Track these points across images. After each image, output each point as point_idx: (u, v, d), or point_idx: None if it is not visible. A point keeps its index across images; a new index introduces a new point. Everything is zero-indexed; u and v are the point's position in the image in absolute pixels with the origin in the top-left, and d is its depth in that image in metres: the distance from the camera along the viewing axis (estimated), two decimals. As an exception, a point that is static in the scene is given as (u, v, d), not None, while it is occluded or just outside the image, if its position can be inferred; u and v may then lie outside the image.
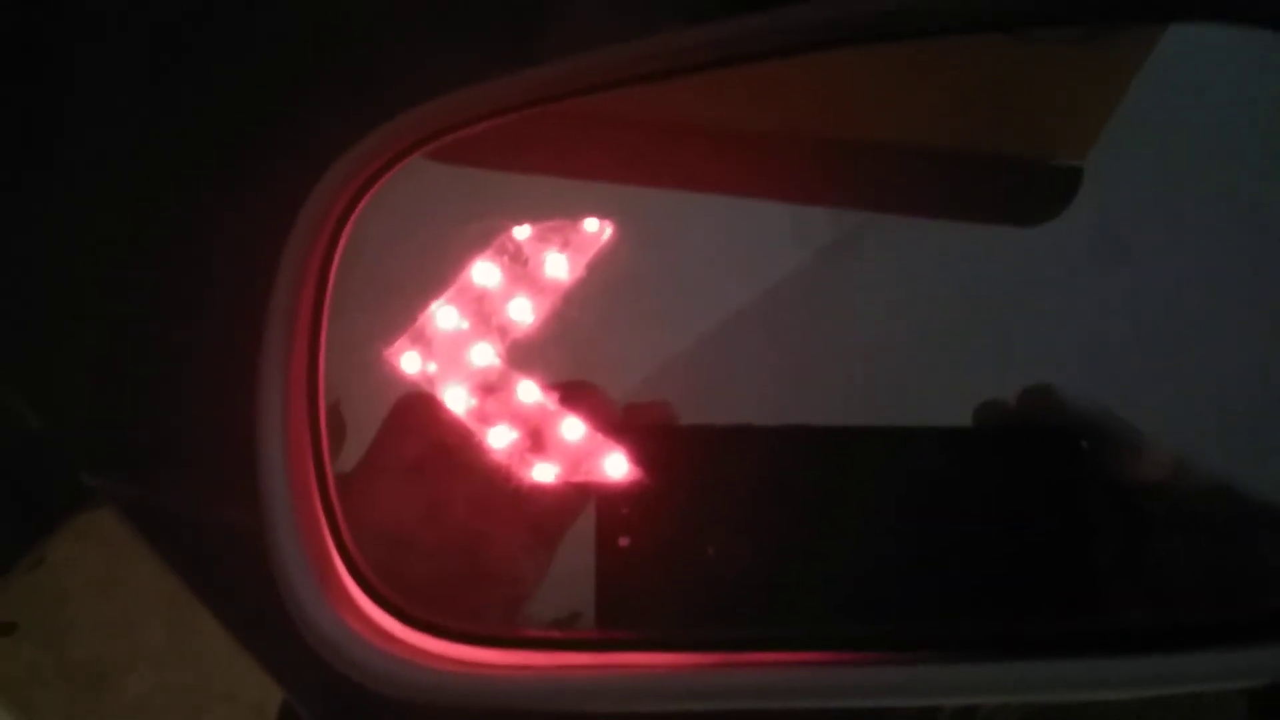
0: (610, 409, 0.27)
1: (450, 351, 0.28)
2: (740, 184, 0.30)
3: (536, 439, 0.27)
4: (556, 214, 0.28)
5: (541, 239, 0.28)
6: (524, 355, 0.28)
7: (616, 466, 0.27)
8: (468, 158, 0.29)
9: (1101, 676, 0.24)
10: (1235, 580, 0.26)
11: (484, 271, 0.28)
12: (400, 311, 0.28)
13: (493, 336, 0.28)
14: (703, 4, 0.31)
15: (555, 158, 0.29)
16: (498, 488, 0.27)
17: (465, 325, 0.28)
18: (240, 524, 0.37)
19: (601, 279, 0.28)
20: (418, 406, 0.28)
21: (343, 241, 0.28)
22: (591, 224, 0.28)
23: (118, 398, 0.37)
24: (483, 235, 0.28)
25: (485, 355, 0.28)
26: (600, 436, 0.27)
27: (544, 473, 0.27)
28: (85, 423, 0.38)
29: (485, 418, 0.28)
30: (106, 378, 0.37)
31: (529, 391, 0.28)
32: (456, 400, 0.28)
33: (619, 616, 0.26)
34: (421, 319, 0.28)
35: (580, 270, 0.28)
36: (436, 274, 0.28)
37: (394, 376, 0.28)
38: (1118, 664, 0.24)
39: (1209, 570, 0.27)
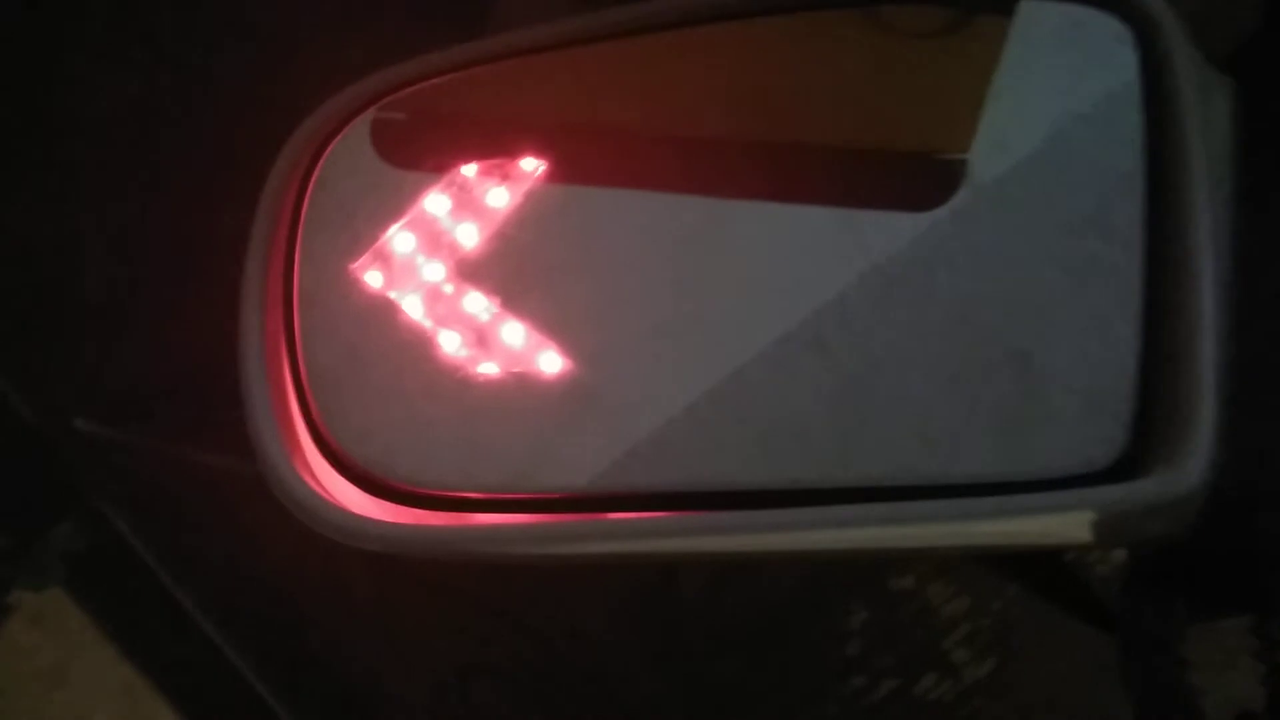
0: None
1: (407, 268, 0.33)
2: (641, 170, 0.34)
3: (481, 340, 0.32)
4: (498, 155, 0.33)
5: (485, 174, 0.33)
6: (469, 271, 0.33)
7: (550, 363, 0.32)
8: (427, 109, 0.34)
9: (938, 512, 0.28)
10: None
11: (435, 202, 0.33)
12: (364, 235, 0.33)
13: (443, 255, 0.33)
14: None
15: (500, 109, 0.35)
16: (449, 379, 0.32)
17: (420, 249, 0.33)
18: (222, 465, 0.41)
19: (534, 206, 0.33)
20: (381, 315, 0.32)
21: (314, 176, 0.33)
22: (528, 162, 0.33)
23: (100, 351, 0.41)
24: (434, 172, 0.33)
25: (436, 272, 0.33)
26: (538, 337, 0.32)
27: (488, 368, 0.32)
28: (70, 380, 0.42)
29: (438, 323, 0.32)
30: (85, 334, 0.40)
31: (474, 301, 0.32)
32: (413, 309, 0.32)
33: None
34: (382, 241, 0.33)
35: (518, 199, 0.33)
36: (395, 205, 0.33)
37: (359, 287, 0.32)
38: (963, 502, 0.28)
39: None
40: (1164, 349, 0.31)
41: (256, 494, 0.30)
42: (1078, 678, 0.56)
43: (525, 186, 0.33)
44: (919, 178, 0.34)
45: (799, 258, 0.33)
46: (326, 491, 0.30)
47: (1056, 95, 0.33)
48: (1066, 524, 0.30)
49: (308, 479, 0.30)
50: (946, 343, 0.32)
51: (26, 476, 0.50)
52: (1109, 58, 0.34)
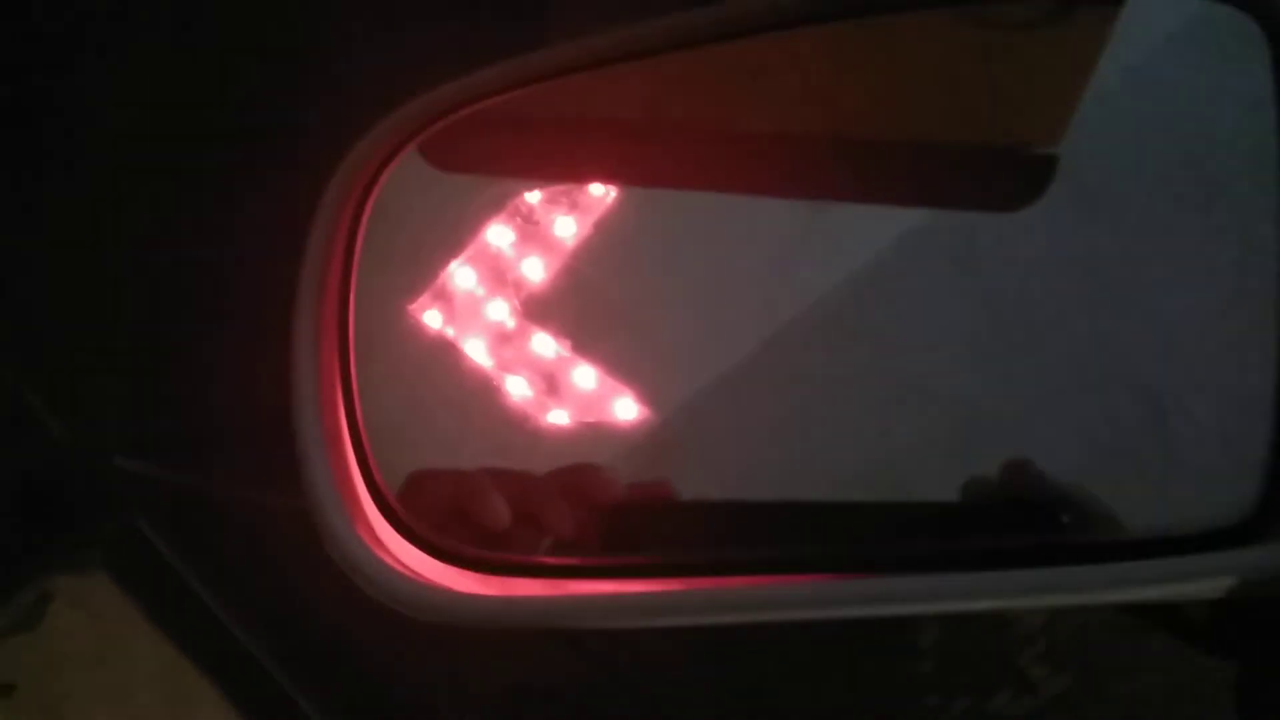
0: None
1: (469, 307, 0.30)
2: (720, 176, 0.32)
3: (551, 386, 0.30)
4: (565, 180, 0.31)
5: (551, 202, 0.30)
6: (537, 309, 0.30)
7: (626, 410, 0.29)
8: (486, 133, 0.31)
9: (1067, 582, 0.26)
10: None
11: (498, 234, 0.30)
12: (423, 271, 0.30)
13: (508, 293, 0.30)
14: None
15: (564, 135, 0.32)
16: (515, 431, 0.29)
17: (482, 283, 0.30)
18: (269, 505, 0.39)
19: (605, 237, 0.30)
20: (442, 358, 0.30)
21: (368, 207, 0.30)
22: (596, 188, 0.30)
23: (146, 385, 0.39)
24: (497, 200, 0.31)
25: (501, 310, 0.30)
26: (611, 382, 0.29)
27: (558, 416, 0.29)
28: (115, 412, 0.40)
29: (503, 367, 0.30)
30: (133, 367, 0.39)
31: (542, 343, 0.30)
32: (476, 352, 0.30)
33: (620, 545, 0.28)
34: (442, 278, 0.30)
35: (587, 229, 0.30)
36: (455, 237, 0.31)
37: (418, 330, 0.30)
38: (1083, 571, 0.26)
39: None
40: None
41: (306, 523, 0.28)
42: (1157, 696, 0.54)
43: (595, 215, 0.30)
44: (1008, 174, 0.31)
45: (887, 275, 0.30)
46: (393, 558, 0.27)
47: (1173, 93, 0.31)
48: (1199, 588, 0.28)
49: (371, 544, 0.27)
50: (1056, 373, 0.30)
51: (64, 488, 0.49)
52: (1236, 57, 0.31)
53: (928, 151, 0.32)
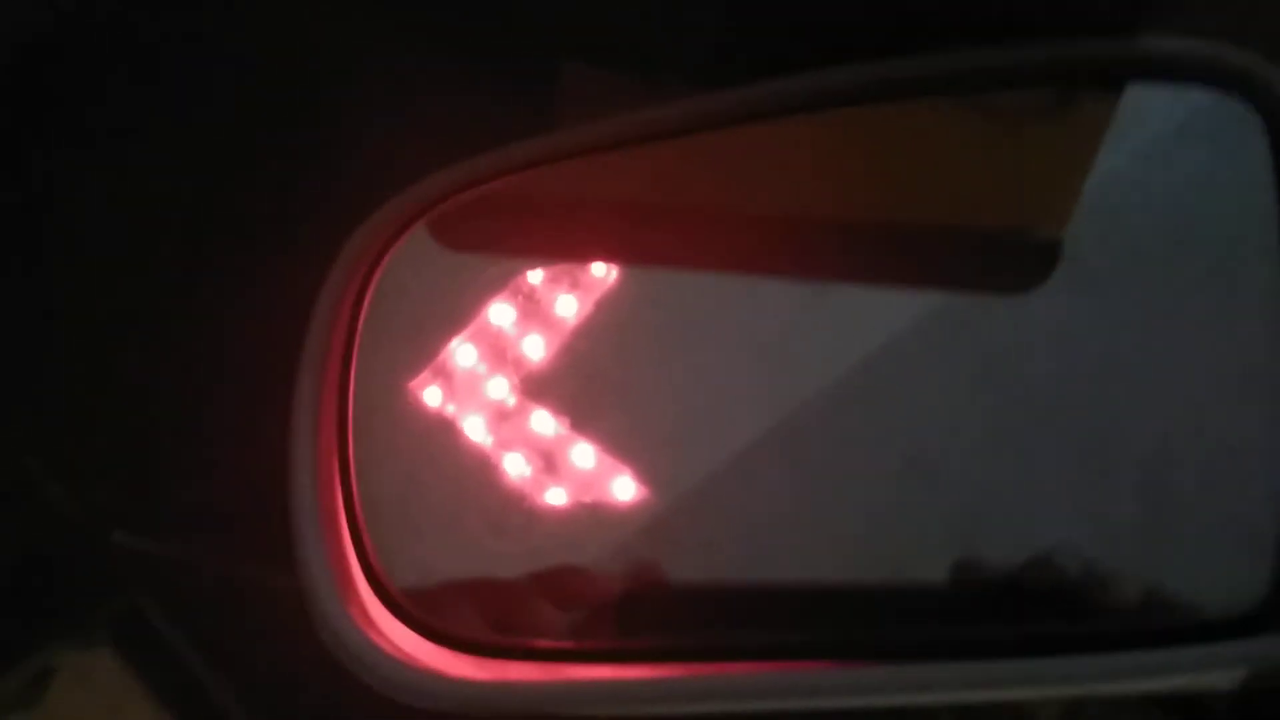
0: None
1: (469, 385, 0.30)
2: (723, 258, 0.32)
3: (549, 464, 0.29)
4: (569, 260, 0.31)
5: (553, 281, 0.31)
6: (537, 387, 0.30)
7: (625, 489, 0.29)
8: (489, 213, 0.32)
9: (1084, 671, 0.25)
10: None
11: (500, 312, 0.31)
12: (424, 349, 0.30)
13: (508, 370, 0.30)
14: (695, 75, 0.34)
15: (566, 215, 0.32)
16: (514, 510, 0.29)
17: (483, 361, 0.30)
18: (267, 582, 0.38)
19: (606, 316, 0.30)
20: (441, 436, 0.30)
21: (372, 285, 0.31)
22: (599, 268, 0.31)
23: (145, 460, 0.39)
24: (499, 279, 0.31)
25: (501, 388, 0.30)
26: (611, 461, 0.29)
27: (557, 496, 0.29)
28: (113, 486, 0.40)
29: (501, 446, 0.30)
30: (133, 441, 0.39)
31: (542, 421, 0.30)
32: (475, 430, 0.30)
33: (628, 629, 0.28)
34: (443, 356, 0.30)
35: (589, 308, 0.30)
36: (457, 315, 0.31)
37: (418, 409, 0.30)
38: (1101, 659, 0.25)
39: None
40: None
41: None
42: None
43: (596, 294, 0.30)
44: (1012, 258, 0.31)
45: (892, 360, 0.30)
46: (386, 640, 0.27)
47: (1173, 180, 0.31)
48: (1211, 679, 0.27)
49: (364, 627, 0.27)
50: (1064, 458, 0.29)
51: (66, 560, 0.49)
52: (1235, 143, 0.31)
53: (932, 235, 0.32)
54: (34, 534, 0.45)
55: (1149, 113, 0.32)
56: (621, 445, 0.29)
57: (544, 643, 0.28)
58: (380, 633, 0.27)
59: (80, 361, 0.42)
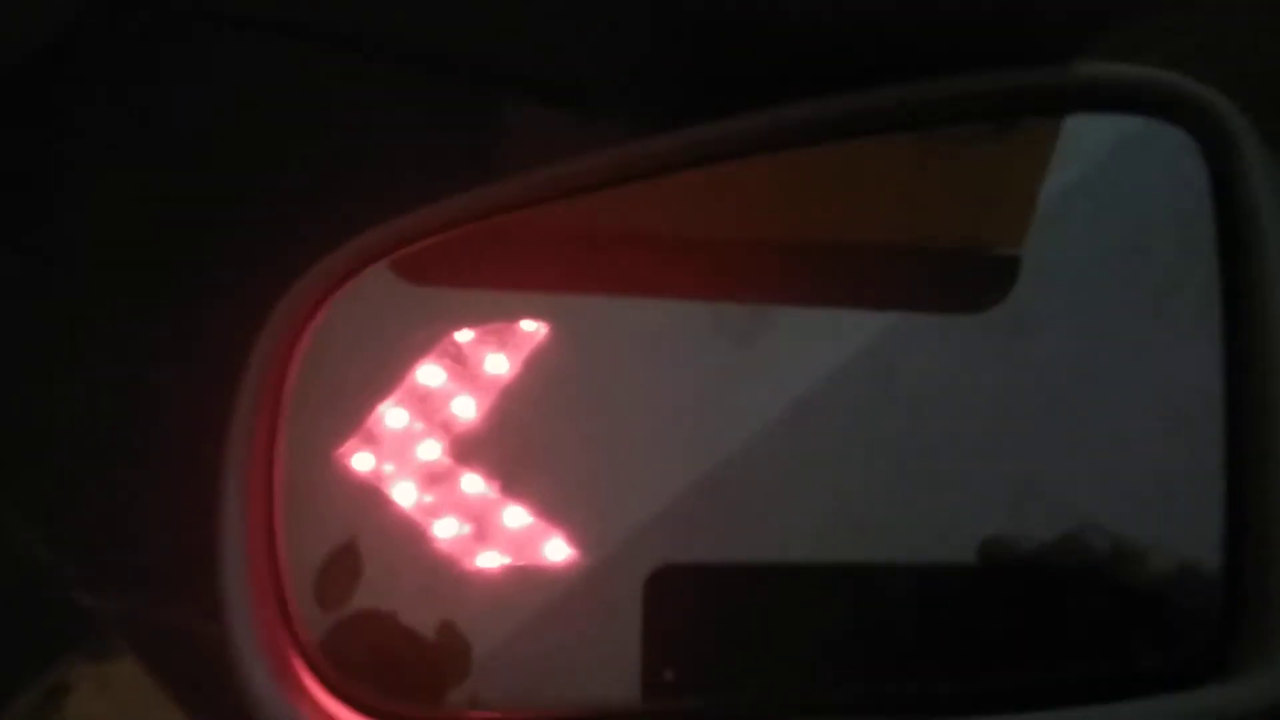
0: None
1: (399, 449, 0.30)
2: (671, 287, 0.32)
3: (481, 527, 0.29)
4: (496, 319, 0.31)
5: (482, 341, 0.30)
6: (468, 449, 0.30)
7: (557, 551, 0.29)
8: (415, 273, 0.32)
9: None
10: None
11: (429, 373, 0.30)
12: (352, 414, 0.30)
13: (438, 433, 0.30)
14: (635, 120, 0.34)
15: (495, 270, 0.32)
16: (445, 576, 0.29)
17: (413, 424, 0.30)
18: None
19: (535, 373, 0.30)
20: (369, 504, 0.30)
21: (299, 350, 0.30)
22: (527, 325, 0.30)
23: (110, 517, 0.39)
24: (428, 341, 0.31)
25: (431, 451, 0.30)
26: (542, 523, 0.29)
27: (487, 558, 0.29)
28: (80, 542, 0.40)
29: (432, 510, 0.29)
30: (98, 499, 0.39)
31: (473, 483, 0.30)
32: (405, 495, 0.30)
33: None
34: (371, 420, 0.30)
35: (517, 367, 0.30)
36: (385, 378, 0.31)
37: (347, 473, 0.30)
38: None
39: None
40: (1251, 513, 0.27)
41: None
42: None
43: (525, 352, 0.30)
44: (969, 276, 0.31)
45: (816, 412, 0.30)
46: (314, 709, 0.27)
47: (1113, 206, 0.31)
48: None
49: (290, 697, 0.27)
50: (990, 489, 0.29)
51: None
52: (1175, 170, 0.30)
53: (874, 259, 0.32)
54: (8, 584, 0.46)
55: (1087, 140, 0.32)
56: (552, 506, 0.29)
57: (471, 714, 0.27)
58: (307, 700, 0.27)
59: (50, 418, 0.42)
